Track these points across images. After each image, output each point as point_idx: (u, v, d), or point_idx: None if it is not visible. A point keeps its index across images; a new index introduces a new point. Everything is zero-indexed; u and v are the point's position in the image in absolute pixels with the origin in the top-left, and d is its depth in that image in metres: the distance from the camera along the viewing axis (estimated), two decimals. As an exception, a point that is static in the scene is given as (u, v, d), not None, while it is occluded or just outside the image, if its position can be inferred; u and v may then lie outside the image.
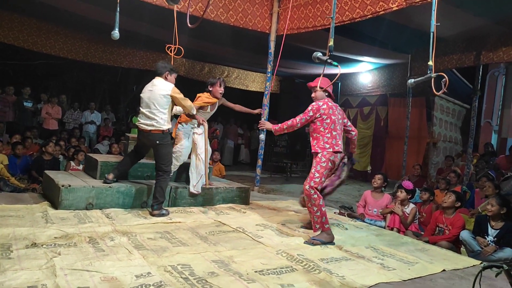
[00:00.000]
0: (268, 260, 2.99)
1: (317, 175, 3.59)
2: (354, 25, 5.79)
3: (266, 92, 6.66)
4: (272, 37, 6.55)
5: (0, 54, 10.47)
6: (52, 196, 4.24)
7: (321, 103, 3.71)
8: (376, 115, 10.64)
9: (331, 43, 3.11)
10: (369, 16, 5.25)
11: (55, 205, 4.01)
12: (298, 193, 6.91)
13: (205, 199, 4.84)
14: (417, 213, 4.80)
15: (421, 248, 3.78)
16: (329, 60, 3.11)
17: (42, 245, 2.84)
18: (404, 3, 4.83)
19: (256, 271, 2.74)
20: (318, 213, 3.54)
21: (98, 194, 4.13)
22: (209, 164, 4.89)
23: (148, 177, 4.78)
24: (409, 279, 2.87)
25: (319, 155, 3.65)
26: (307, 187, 3.56)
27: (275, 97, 11.56)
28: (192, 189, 4.65)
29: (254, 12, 6.40)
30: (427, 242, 4.07)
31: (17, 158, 5.96)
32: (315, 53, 3.15)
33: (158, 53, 9.87)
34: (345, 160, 3.89)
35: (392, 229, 4.59)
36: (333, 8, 3.27)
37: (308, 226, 3.99)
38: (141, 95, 4.21)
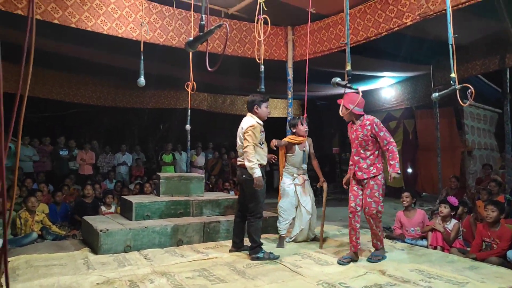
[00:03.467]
0: (309, 292, 2.92)
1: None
2: (371, 43, 5.80)
3: (288, 117, 6.71)
4: (290, 64, 6.67)
5: (36, 107, 11.14)
6: (91, 241, 4.36)
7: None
8: (403, 129, 10.39)
9: (348, 67, 3.13)
10: (383, 34, 5.26)
11: (95, 250, 4.11)
12: (331, 217, 6.76)
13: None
14: (461, 229, 4.57)
15: (469, 266, 3.58)
16: (348, 85, 3.12)
17: (85, 293, 2.91)
18: (418, 17, 4.82)
19: (297, 305, 2.67)
20: (381, 233, 3.90)
21: (135, 236, 4.22)
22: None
23: (181, 214, 4.85)
24: (460, 302, 2.72)
25: (379, 177, 3.77)
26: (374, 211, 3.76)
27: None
28: (287, 239, 4.59)
29: (270, 43, 6.56)
30: (475, 259, 3.85)
31: (57, 206, 6.20)
32: (333, 78, 3.17)
33: (180, 91, 10.20)
34: None
35: (435, 247, 4.38)
36: (346, 34, 3.31)
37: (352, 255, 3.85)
38: None
